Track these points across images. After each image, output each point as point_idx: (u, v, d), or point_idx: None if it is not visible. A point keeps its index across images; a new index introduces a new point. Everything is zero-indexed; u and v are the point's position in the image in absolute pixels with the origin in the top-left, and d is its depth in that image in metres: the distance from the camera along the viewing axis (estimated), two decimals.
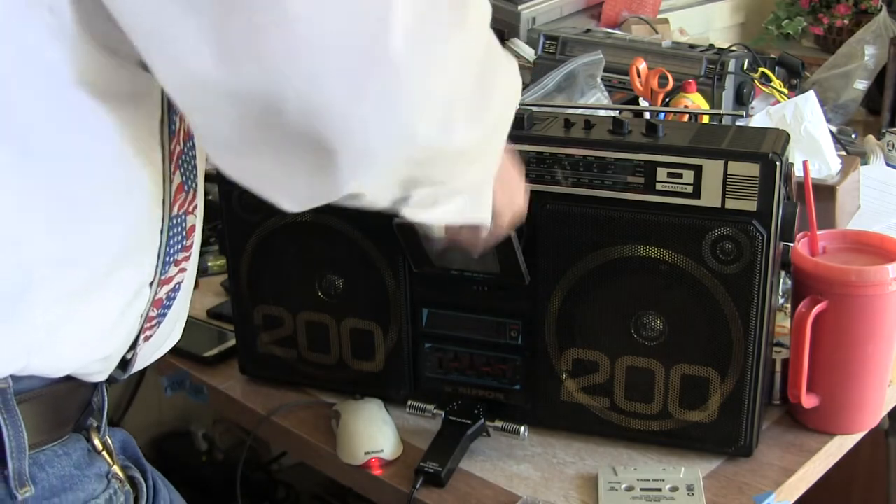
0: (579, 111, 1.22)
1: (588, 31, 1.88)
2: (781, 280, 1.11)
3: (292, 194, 0.64)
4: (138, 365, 0.79)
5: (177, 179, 0.73)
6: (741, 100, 1.65)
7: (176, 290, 0.77)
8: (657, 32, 2.03)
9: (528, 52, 1.92)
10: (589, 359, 1.03)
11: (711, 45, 1.75)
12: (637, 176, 0.97)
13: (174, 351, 1.22)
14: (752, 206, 0.93)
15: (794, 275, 1.04)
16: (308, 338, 1.14)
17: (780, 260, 1.02)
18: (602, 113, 1.30)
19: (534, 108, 1.07)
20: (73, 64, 0.61)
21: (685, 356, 1.00)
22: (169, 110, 0.69)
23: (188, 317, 0.86)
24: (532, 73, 1.77)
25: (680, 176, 0.95)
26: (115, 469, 0.78)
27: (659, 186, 0.96)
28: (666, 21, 2.14)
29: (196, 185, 0.76)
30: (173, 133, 0.70)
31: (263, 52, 0.55)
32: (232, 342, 1.25)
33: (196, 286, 1.42)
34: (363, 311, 1.10)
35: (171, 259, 0.75)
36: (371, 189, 0.64)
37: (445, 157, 0.66)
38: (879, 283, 0.99)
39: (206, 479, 1.91)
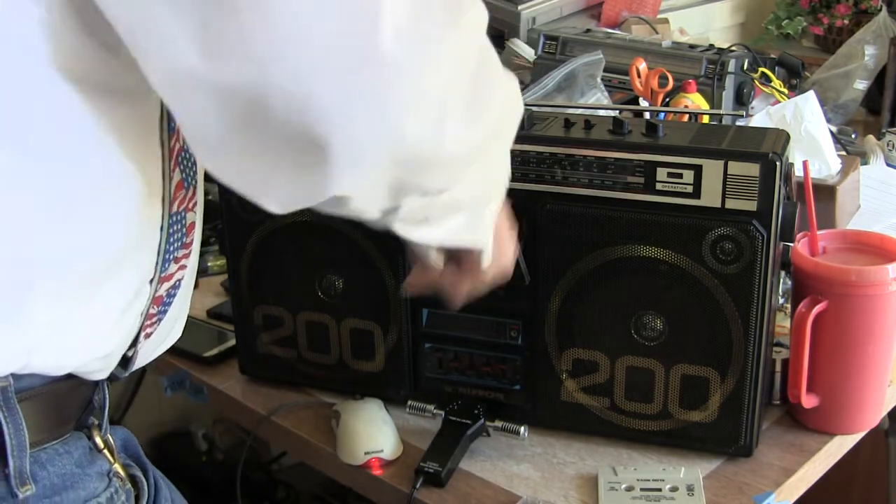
0: (579, 111, 1.22)
1: (588, 31, 1.88)
2: (781, 280, 1.11)
3: (277, 194, 0.63)
4: (139, 362, 0.79)
5: (176, 177, 0.73)
6: (741, 100, 1.65)
7: (176, 287, 0.77)
8: (657, 32, 2.03)
9: (528, 52, 1.92)
10: (589, 359, 1.03)
11: (711, 45, 1.75)
12: (637, 176, 0.97)
13: (174, 351, 1.23)
14: (752, 206, 0.93)
15: (794, 275, 1.04)
16: (308, 338, 1.14)
17: (780, 260, 1.02)
18: (602, 113, 1.30)
19: (534, 108, 1.07)
20: (71, 62, 0.61)
21: (685, 356, 1.00)
22: None
23: (188, 317, 0.86)
24: (532, 73, 1.77)
25: (680, 176, 0.95)
26: (117, 467, 0.78)
27: (659, 186, 0.96)
28: (666, 21, 2.14)
29: (196, 182, 0.76)
30: (173, 130, 0.70)
31: (248, 48, 0.54)
32: (232, 342, 1.25)
33: (196, 286, 1.42)
34: (363, 311, 1.10)
35: (171, 256, 0.75)
36: (359, 193, 0.63)
37: (436, 161, 0.65)
38: (879, 283, 0.99)
39: (206, 479, 1.91)
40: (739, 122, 1.48)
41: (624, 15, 2.11)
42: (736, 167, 0.93)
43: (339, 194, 0.62)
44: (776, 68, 1.75)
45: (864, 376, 1.04)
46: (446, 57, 0.60)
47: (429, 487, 1.00)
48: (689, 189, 0.95)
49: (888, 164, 1.62)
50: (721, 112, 1.52)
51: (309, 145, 0.58)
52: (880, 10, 2.06)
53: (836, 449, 1.07)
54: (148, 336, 0.77)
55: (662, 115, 1.37)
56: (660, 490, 0.97)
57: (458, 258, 0.82)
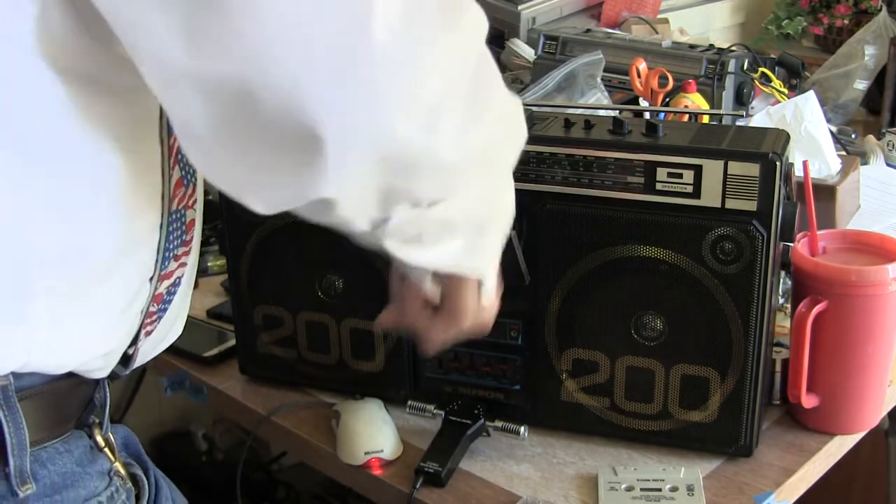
0: (579, 111, 1.22)
1: (588, 31, 1.88)
2: (781, 280, 1.11)
3: (263, 193, 0.62)
4: (140, 360, 0.79)
5: (176, 174, 0.73)
6: (741, 100, 1.65)
7: (176, 284, 0.77)
8: (657, 32, 2.03)
9: (528, 52, 1.92)
10: (589, 359, 1.03)
11: (711, 45, 1.75)
12: (637, 176, 0.97)
13: (174, 351, 1.23)
14: (752, 206, 0.93)
15: (794, 275, 1.04)
16: (308, 338, 1.14)
17: (780, 260, 1.02)
18: (602, 113, 1.30)
19: (534, 108, 1.07)
20: (68, 59, 0.62)
21: (685, 356, 1.00)
22: None
23: (188, 317, 0.86)
24: (532, 73, 1.77)
25: (680, 176, 0.95)
26: (117, 466, 0.78)
27: (659, 186, 0.96)
28: (666, 21, 2.14)
29: (195, 179, 0.76)
30: (172, 128, 0.70)
31: (233, 42, 0.54)
32: (232, 342, 1.25)
33: (196, 286, 1.42)
34: (363, 311, 1.10)
35: (171, 254, 0.75)
36: (346, 196, 0.61)
37: (428, 164, 0.63)
38: (879, 283, 0.99)
39: (206, 479, 1.91)
40: (739, 122, 1.48)
41: (624, 15, 2.11)
42: (736, 167, 0.93)
43: (325, 196, 0.60)
44: (776, 68, 1.75)
45: (864, 376, 1.04)
46: (441, 58, 0.60)
47: (429, 487, 1.00)
48: (689, 189, 0.95)
49: (888, 164, 1.62)
50: (721, 112, 1.52)
51: (297, 142, 0.57)
52: (880, 10, 2.06)
53: (836, 449, 1.07)
54: (148, 334, 0.77)
55: (662, 115, 1.37)
56: (660, 490, 0.97)
57: (444, 298, 0.78)
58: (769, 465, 1.02)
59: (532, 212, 0.99)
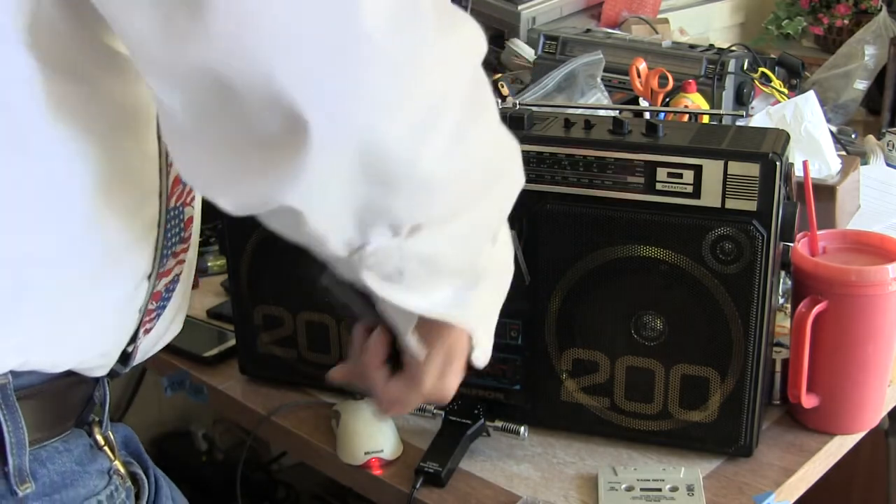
0: (579, 111, 1.22)
1: (588, 31, 1.88)
2: (781, 280, 1.11)
3: (232, 191, 0.60)
4: (139, 358, 0.79)
5: (174, 171, 0.72)
6: (741, 100, 1.65)
7: (175, 282, 0.77)
8: (657, 32, 2.03)
9: (528, 52, 1.92)
10: (589, 359, 1.03)
11: (711, 45, 1.75)
12: (637, 176, 0.97)
13: (174, 351, 1.23)
14: (752, 206, 0.93)
15: (794, 275, 1.04)
16: (308, 338, 1.14)
17: (780, 260, 1.02)
18: (602, 113, 1.30)
19: (534, 108, 1.07)
20: (64, 55, 0.62)
21: (685, 356, 1.00)
22: None
23: (188, 317, 0.86)
24: (532, 73, 1.77)
25: (680, 176, 0.95)
26: (117, 465, 0.78)
27: (659, 186, 0.96)
28: (666, 21, 2.14)
29: None
30: None
31: (209, 34, 0.53)
32: (232, 342, 1.25)
33: (196, 286, 1.42)
34: None
35: (170, 251, 0.75)
36: (318, 207, 0.59)
37: (408, 181, 0.59)
38: (879, 283, 0.99)
39: (206, 479, 1.91)
40: (739, 122, 1.48)
41: (624, 15, 2.11)
42: (736, 167, 0.93)
43: (293, 203, 0.58)
44: (776, 68, 1.75)
45: (864, 376, 1.04)
46: (432, 65, 0.58)
47: (429, 487, 1.00)
48: (689, 189, 0.95)
49: (888, 164, 1.62)
50: (721, 112, 1.52)
51: (276, 138, 0.56)
52: (880, 10, 2.06)
53: (836, 449, 1.07)
54: (147, 332, 0.77)
55: (662, 115, 1.37)
56: (660, 490, 0.97)
57: (408, 357, 0.74)
58: (769, 465, 1.02)
59: (532, 212, 0.99)
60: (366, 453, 1.04)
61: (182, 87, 0.56)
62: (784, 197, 0.95)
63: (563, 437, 1.07)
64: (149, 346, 0.80)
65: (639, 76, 1.54)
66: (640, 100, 1.56)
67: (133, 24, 0.56)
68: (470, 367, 0.76)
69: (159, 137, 0.69)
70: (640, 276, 0.98)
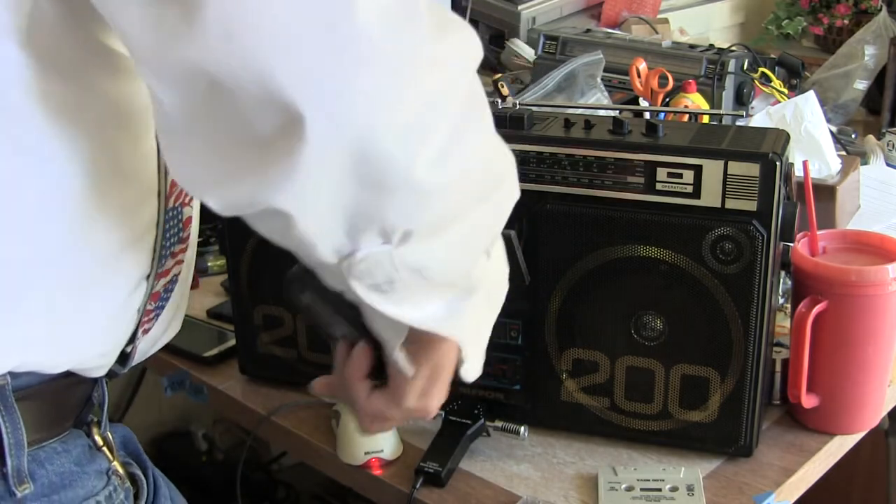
0: (579, 111, 1.22)
1: (588, 31, 1.88)
2: (781, 280, 1.11)
3: (221, 190, 0.59)
4: (138, 358, 0.79)
5: None
6: (741, 100, 1.65)
7: (173, 282, 0.77)
8: (657, 32, 2.03)
9: (528, 52, 1.92)
10: (589, 359, 1.03)
11: (711, 45, 1.75)
12: (637, 176, 0.97)
13: (174, 351, 1.23)
14: (752, 206, 0.93)
15: (794, 275, 1.04)
16: (308, 338, 1.14)
17: (780, 260, 1.02)
18: (602, 113, 1.30)
19: (534, 108, 1.07)
20: (62, 54, 0.62)
21: (685, 356, 1.00)
22: None
23: (188, 317, 0.85)
24: (532, 73, 1.77)
25: (680, 176, 0.95)
26: (116, 465, 0.78)
27: (659, 186, 0.96)
28: (666, 21, 2.15)
29: None
30: None
31: (203, 32, 0.53)
32: (232, 342, 1.25)
33: (196, 286, 1.42)
34: None
35: (168, 252, 0.75)
36: (308, 210, 0.58)
37: (401, 184, 0.58)
38: (879, 283, 0.99)
39: (206, 479, 1.91)
40: (739, 122, 1.48)
41: (624, 15, 2.11)
42: (736, 167, 0.93)
43: (285, 205, 0.57)
44: (776, 68, 1.75)
45: (864, 376, 1.04)
46: (430, 64, 0.58)
47: (429, 487, 1.00)
48: (689, 189, 0.95)
49: (888, 164, 1.62)
50: (721, 112, 1.52)
51: (267, 134, 0.55)
52: (880, 10, 2.06)
53: (836, 449, 1.07)
54: (146, 332, 0.77)
55: (662, 115, 1.37)
56: (660, 490, 0.97)
57: (393, 372, 0.73)
58: (769, 465, 1.02)
59: (532, 212, 0.99)
60: (366, 453, 1.04)
61: (176, 84, 0.56)
62: (784, 197, 0.95)
63: (563, 437, 1.07)
64: (147, 347, 0.79)
65: (639, 76, 1.54)
66: (640, 100, 1.56)
67: (128, 22, 0.56)
68: (455, 384, 0.75)
69: (157, 137, 0.69)
70: (640, 276, 0.98)
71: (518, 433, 1.04)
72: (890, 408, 1.14)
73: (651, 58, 1.63)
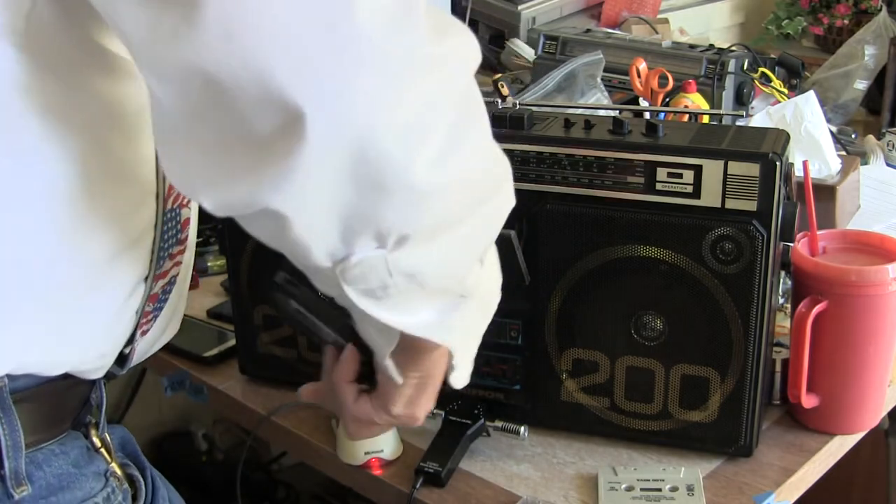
0: (579, 111, 1.22)
1: (588, 31, 1.88)
2: (781, 280, 1.11)
3: (216, 190, 0.59)
4: (136, 359, 0.79)
5: None
6: (741, 100, 1.65)
7: (171, 283, 0.77)
8: (657, 32, 2.03)
9: (528, 52, 1.92)
10: (589, 359, 1.03)
11: (711, 45, 1.75)
12: (637, 176, 0.97)
13: (174, 351, 1.23)
14: (752, 206, 0.93)
15: (794, 275, 1.04)
16: (308, 338, 1.14)
17: (780, 260, 1.02)
18: (602, 113, 1.30)
19: (534, 108, 1.07)
20: (58, 54, 0.61)
21: (685, 356, 1.00)
22: None
23: (188, 317, 0.85)
24: (532, 73, 1.78)
25: (680, 176, 0.95)
26: (114, 467, 0.78)
27: (659, 186, 0.96)
28: (666, 21, 2.15)
29: None
30: None
31: (203, 33, 0.53)
32: (232, 342, 1.25)
33: (196, 286, 1.42)
34: None
35: (166, 253, 0.75)
36: (303, 210, 0.57)
37: (398, 187, 0.58)
38: (879, 283, 0.99)
39: (206, 479, 1.91)
40: (739, 122, 1.48)
41: (624, 15, 2.11)
42: (736, 167, 0.93)
43: (281, 207, 0.57)
44: (776, 68, 1.75)
45: (864, 376, 1.04)
46: (428, 65, 0.57)
47: (429, 487, 1.00)
48: (689, 189, 0.95)
49: (888, 164, 1.62)
50: (721, 112, 1.52)
51: (266, 134, 0.55)
52: (880, 10, 2.06)
53: (836, 449, 1.07)
54: (144, 333, 0.77)
55: (662, 115, 1.37)
56: (660, 490, 0.97)
57: (382, 377, 0.73)
58: (769, 465, 1.02)
59: (532, 212, 0.99)
60: (366, 453, 1.04)
61: (175, 84, 0.56)
62: (784, 197, 0.95)
63: (563, 437, 1.07)
64: (146, 348, 0.79)
65: (639, 76, 1.54)
66: (640, 100, 1.56)
67: (127, 22, 0.55)
68: (444, 390, 0.75)
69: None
70: (640, 276, 0.98)
71: (518, 433, 1.04)
72: (890, 408, 1.14)
73: (651, 58, 1.63)
